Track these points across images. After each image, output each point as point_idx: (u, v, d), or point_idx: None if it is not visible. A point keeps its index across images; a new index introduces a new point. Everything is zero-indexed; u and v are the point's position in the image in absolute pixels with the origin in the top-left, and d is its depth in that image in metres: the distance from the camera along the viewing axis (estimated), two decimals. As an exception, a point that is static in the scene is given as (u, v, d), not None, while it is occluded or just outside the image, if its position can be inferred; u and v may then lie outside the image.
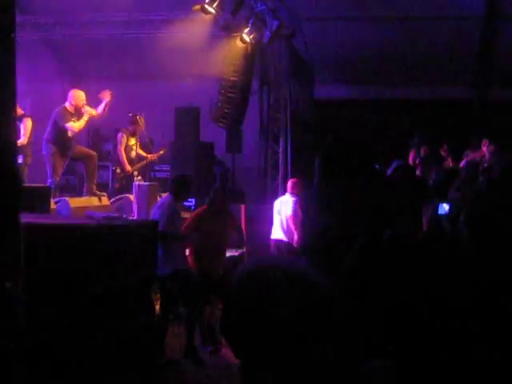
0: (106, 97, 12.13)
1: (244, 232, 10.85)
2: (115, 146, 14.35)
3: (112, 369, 5.70)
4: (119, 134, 13.92)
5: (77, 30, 15.88)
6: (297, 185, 11.88)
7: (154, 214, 9.06)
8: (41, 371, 4.95)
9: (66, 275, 5.21)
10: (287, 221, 11.69)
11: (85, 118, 11.84)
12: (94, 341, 5.46)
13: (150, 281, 6.88)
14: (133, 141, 13.91)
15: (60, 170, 12.06)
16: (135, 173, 13.77)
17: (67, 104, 11.92)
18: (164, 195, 9.39)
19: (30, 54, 14.71)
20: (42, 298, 4.95)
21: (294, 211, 11.38)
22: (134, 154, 13.92)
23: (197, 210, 9.97)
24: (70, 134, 11.79)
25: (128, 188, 13.21)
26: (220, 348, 9.13)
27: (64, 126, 11.70)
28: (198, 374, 8.44)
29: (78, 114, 11.86)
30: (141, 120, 13.82)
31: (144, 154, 14.04)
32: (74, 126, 11.75)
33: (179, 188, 9.15)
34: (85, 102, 11.94)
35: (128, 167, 13.73)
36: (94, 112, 11.97)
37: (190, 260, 9.37)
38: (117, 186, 14.22)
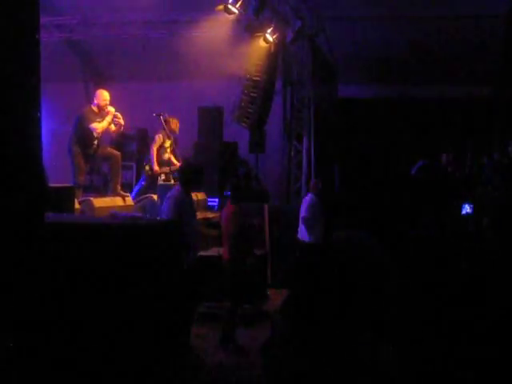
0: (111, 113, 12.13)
1: (267, 232, 10.90)
2: (150, 145, 14.32)
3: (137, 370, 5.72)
4: (156, 135, 13.94)
5: (101, 31, 15.94)
6: (315, 184, 12.21)
7: (163, 206, 8.85)
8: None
9: (90, 275, 5.23)
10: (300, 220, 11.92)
11: (108, 118, 11.88)
12: (119, 342, 5.48)
13: (174, 281, 6.86)
14: (168, 143, 13.90)
15: (84, 171, 12.09)
16: (162, 175, 13.81)
17: (93, 105, 11.97)
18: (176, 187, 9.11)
19: (54, 54, 14.78)
20: (66, 296, 4.98)
21: (304, 210, 11.77)
22: (166, 156, 13.93)
23: (233, 207, 9.81)
24: (94, 134, 11.83)
25: (153, 188, 13.27)
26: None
27: (89, 127, 11.75)
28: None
29: (101, 114, 11.90)
30: (173, 122, 13.83)
31: (175, 162, 13.97)
32: (98, 126, 11.79)
33: (188, 178, 8.80)
34: (107, 102, 11.97)
35: (156, 167, 13.75)
36: (113, 111, 12.00)
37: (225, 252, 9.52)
38: (144, 183, 14.28)
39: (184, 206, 8.66)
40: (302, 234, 11.86)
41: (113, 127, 12.18)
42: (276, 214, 13.25)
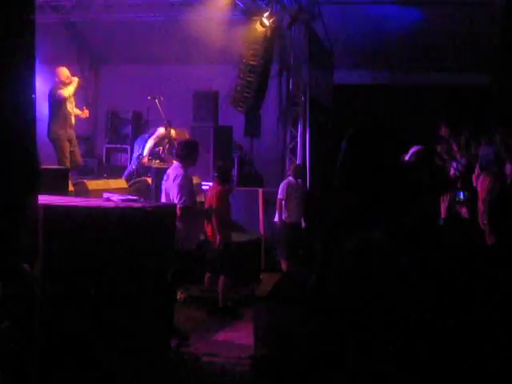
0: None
1: (261, 216, 11.03)
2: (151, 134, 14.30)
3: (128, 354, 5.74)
4: (160, 128, 13.92)
5: (96, 13, 15.88)
6: (294, 168, 12.99)
7: (168, 184, 9.03)
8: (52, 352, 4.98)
9: (83, 257, 5.23)
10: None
11: (73, 84, 12.10)
12: (109, 326, 5.49)
13: (168, 263, 6.88)
14: (166, 144, 13.91)
15: (68, 154, 12.08)
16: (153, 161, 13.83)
17: (57, 84, 12.20)
18: (174, 164, 9.34)
19: (49, 36, 14.72)
20: (57, 279, 4.98)
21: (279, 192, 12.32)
22: (160, 151, 13.93)
23: (221, 188, 10.01)
24: (68, 107, 11.97)
25: (143, 172, 13.28)
26: None
27: (58, 96, 11.88)
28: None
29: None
30: (183, 132, 13.89)
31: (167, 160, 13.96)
32: (64, 91, 12.02)
33: (187, 152, 9.20)
34: (69, 75, 12.20)
35: (145, 160, 13.73)
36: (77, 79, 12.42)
37: (212, 232, 9.77)
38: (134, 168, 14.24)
39: (191, 184, 9.23)
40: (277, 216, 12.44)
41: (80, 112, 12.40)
42: (270, 199, 13.26)
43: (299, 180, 12.67)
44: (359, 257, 2.35)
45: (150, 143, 13.84)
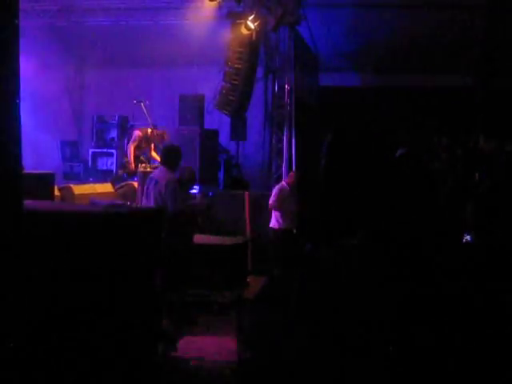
0: None
1: (247, 219, 11.01)
2: (128, 140, 14.23)
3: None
4: (136, 131, 13.88)
5: (81, 17, 15.86)
6: (290, 176, 12.83)
7: (160, 189, 8.99)
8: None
9: (68, 262, 5.22)
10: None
11: None
12: (94, 330, 5.49)
13: (155, 267, 6.87)
14: (144, 145, 13.87)
15: None
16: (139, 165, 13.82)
17: None
18: (157, 169, 9.42)
19: (34, 40, 14.70)
20: (42, 285, 4.97)
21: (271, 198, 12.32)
22: (142, 157, 13.88)
23: None
24: None
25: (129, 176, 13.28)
26: None
27: None
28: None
29: None
30: (166, 136, 13.80)
31: (157, 159, 13.91)
32: None
33: (172, 157, 9.30)
34: None
35: (132, 166, 13.69)
36: None
37: None
38: (120, 172, 14.21)
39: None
40: (271, 222, 12.40)
41: None
42: (257, 202, 13.27)
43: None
44: (338, 262, 2.38)
45: (130, 149, 13.81)
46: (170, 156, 9.35)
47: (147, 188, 9.26)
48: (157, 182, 9.05)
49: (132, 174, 13.68)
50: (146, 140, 13.77)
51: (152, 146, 13.96)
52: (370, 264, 2.74)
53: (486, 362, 2.74)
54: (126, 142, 14.22)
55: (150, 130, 13.73)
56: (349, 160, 2.98)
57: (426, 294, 2.81)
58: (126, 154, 13.99)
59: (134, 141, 13.78)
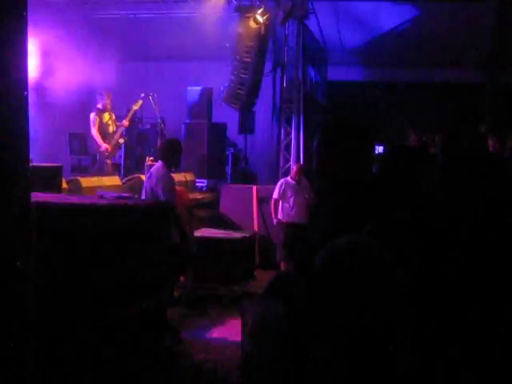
0: None
1: (255, 213, 10.97)
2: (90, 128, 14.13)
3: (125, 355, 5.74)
4: (91, 115, 13.81)
5: (89, 10, 15.83)
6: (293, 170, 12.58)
7: (152, 183, 8.95)
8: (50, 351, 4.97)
9: (76, 255, 5.22)
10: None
11: None
12: (102, 323, 5.49)
13: (162, 260, 6.86)
14: (107, 117, 13.83)
15: None
16: (120, 140, 13.85)
17: None
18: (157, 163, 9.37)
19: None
20: (52, 276, 4.96)
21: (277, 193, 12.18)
22: (111, 129, 13.88)
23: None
24: None
25: (138, 168, 13.25)
26: None
27: None
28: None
29: None
30: (108, 96, 13.80)
31: (118, 123, 14.12)
32: None
33: (169, 153, 9.13)
34: None
35: (105, 145, 13.66)
36: None
37: None
38: (107, 161, 14.11)
39: (172, 182, 9.00)
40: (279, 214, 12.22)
41: None
42: (264, 195, 13.26)
43: (303, 180, 12.32)
44: (343, 259, 2.34)
45: (94, 133, 13.77)
46: (167, 150, 9.22)
47: (145, 182, 9.33)
48: (151, 176, 9.05)
49: (112, 153, 13.77)
50: (101, 112, 13.76)
51: (111, 114, 13.93)
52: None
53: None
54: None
55: (99, 105, 13.80)
56: (340, 153, 2.94)
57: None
58: (96, 143, 13.89)
59: (94, 123, 13.70)
